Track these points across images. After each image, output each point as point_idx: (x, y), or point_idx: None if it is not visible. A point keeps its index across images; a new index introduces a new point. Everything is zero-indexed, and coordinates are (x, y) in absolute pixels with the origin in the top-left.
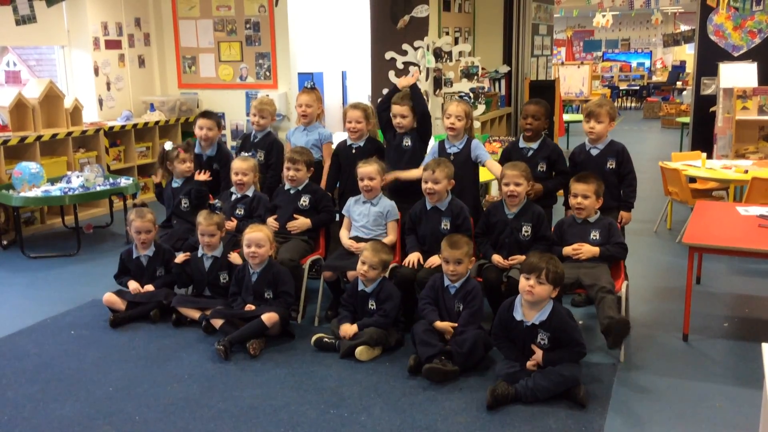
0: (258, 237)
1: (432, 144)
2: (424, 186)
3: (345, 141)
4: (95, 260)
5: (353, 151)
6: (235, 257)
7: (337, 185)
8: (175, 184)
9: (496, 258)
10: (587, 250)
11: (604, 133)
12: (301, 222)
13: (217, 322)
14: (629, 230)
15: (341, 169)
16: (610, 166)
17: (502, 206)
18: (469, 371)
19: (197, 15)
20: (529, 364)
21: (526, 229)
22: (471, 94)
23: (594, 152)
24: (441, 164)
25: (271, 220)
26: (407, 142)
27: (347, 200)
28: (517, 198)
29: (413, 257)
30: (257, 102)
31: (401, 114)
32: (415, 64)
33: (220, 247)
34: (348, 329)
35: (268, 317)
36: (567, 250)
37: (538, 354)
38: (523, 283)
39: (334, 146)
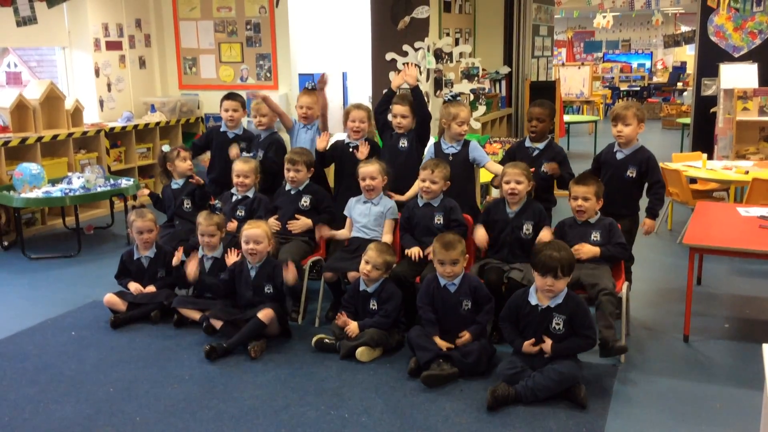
0: (256, 234)
1: (428, 143)
2: (421, 184)
3: (343, 140)
4: (96, 261)
5: (350, 149)
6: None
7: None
8: (175, 186)
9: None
10: (587, 249)
11: (633, 136)
12: (302, 222)
13: (218, 323)
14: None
15: (336, 166)
16: (630, 175)
17: (502, 204)
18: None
19: (198, 16)
20: (528, 344)
21: (527, 227)
22: (471, 95)
23: (619, 156)
24: (439, 165)
25: (272, 221)
26: (404, 143)
27: (347, 200)
28: (518, 196)
29: (415, 250)
30: (253, 103)
31: (402, 114)
32: (415, 65)
33: (220, 247)
34: (347, 320)
35: (264, 314)
36: None
37: (548, 343)
38: (541, 282)
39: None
